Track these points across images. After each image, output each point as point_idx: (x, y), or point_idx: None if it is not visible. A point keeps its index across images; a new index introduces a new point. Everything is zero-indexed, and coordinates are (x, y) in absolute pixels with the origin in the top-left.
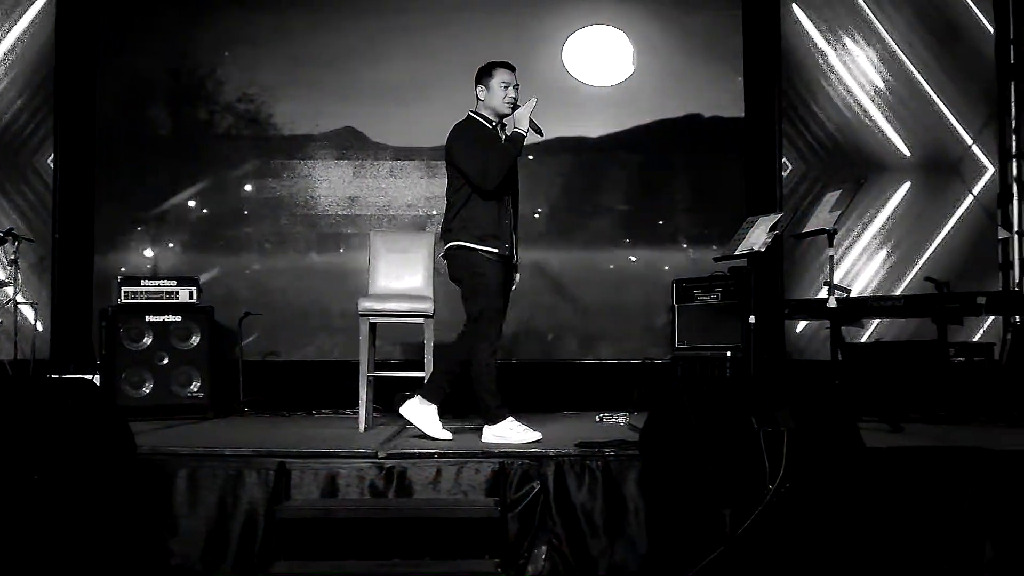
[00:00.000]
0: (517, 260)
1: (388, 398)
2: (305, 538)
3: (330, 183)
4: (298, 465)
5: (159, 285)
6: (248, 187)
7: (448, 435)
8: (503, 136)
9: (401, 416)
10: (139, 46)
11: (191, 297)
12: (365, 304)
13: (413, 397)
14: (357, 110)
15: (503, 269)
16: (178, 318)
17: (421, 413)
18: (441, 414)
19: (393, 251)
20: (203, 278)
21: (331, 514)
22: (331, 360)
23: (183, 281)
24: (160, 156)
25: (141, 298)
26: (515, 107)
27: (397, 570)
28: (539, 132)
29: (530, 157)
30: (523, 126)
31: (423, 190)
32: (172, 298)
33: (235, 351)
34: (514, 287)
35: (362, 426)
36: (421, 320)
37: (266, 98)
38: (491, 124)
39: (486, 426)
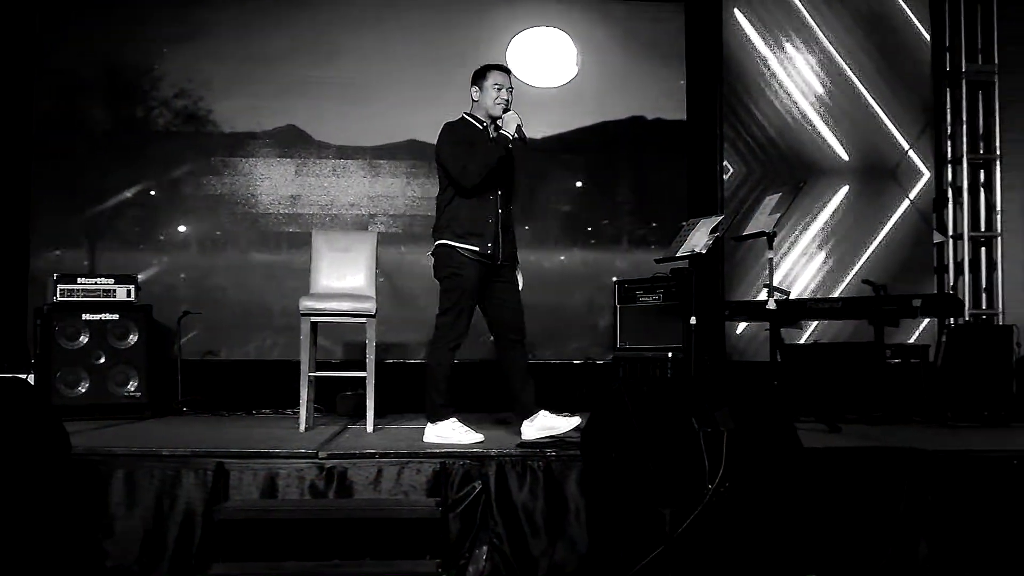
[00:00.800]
0: (502, 260)
1: (330, 398)
2: (244, 539)
3: (272, 181)
4: (237, 466)
5: (96, 283)
6: (187, 185)
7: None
8: (492, 136)
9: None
10: (76, 44)
11: (129, 295)
12: (306, 303)
13: (522, 425)
14: (300, 108)
15: (482, 268)
16: (115, 316)
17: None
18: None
19: (335, 250)
20: (141, 276)
21: (270, 515)
22: (272, 360)
23: (120, 279)
24: (98, 153)
25: (77, 296)
26: (507, 109)
27: (337, 571)
28: (523, 141)
29: None
30: (510, 129)
31: (366, 189)
32: (109, 296)
33: (174, 350)
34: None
35: (303, 426)
36: (363, 320)
37: (205, 95)
38: (482, 125)
39: (428, 424)
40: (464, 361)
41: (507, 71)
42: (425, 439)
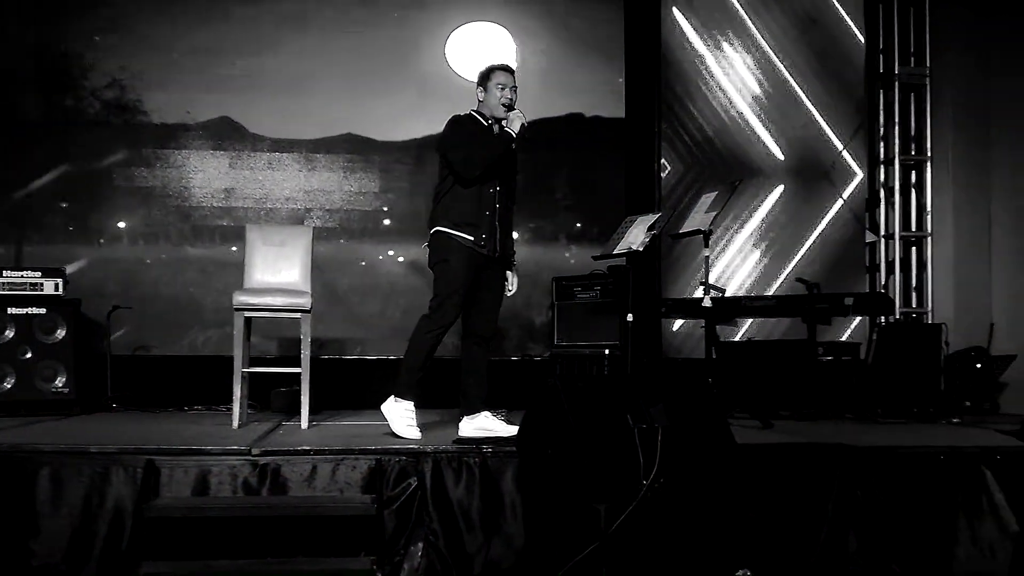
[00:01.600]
0: (500, 254)
1: (264, 394)
2: (175, 537)
3: (205, 174)
4: (168, 463)
5: (22, 276)
6: (118, 177)
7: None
8: (495, 133)
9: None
10: (4, 30)
11: (56, 289)
12: (240, 298)
13: (461, 420)
14: (235, 100)
15: (476, 259)
16: (43, 311)
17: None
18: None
19: (270, 244)
20: (69, 270)
21: (202, 512)
22: (205, 355)
23: (48, 272)
24: (26, 143)
25: (3, 290)
26: (510, 108)
27: (270, 568)
28: (525, 139)
29: (411, 152)
30: (515, 127)
31: (302, 183)
32: (36, 290)
33: (103, 345)
34: (511, 290)
35: (236, 423)
36: (298, 315)
37: (138, 85)
38: (487, 123)
39: (391, 396)
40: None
41: (511, 71)
42: (383, 406)
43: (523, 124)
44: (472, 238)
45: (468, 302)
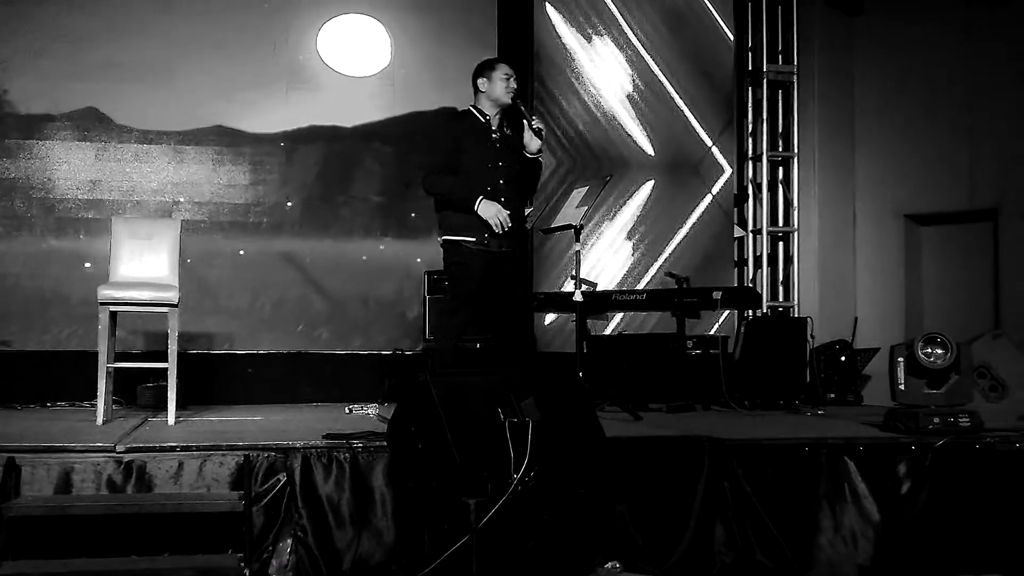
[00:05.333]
0: (510, 249)
1: (130, 390)
2: (37, 537)
3: (70, 165)
4: (29, 460)
5: None
6: None
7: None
8: (493, 128)
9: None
10: None
11: None
12: (105, 292)
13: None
14: (101, 90)
15: (487, 259)
16: None
17: None
18: None
19: (137, 237)
20: None
21: (65, 511)
22: (69, 350)
23: None
24: None
25: None
26: (515, 97)
27: (135, 567)
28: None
29: (281, 144)
30: (532, 148)
31: (171, 175)
32: None
33: None
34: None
35: (100, 419)
36: (165, 309)
37: (1, 75)
38: (485, 118)
39: None
40: (271, 352)
41: (512, 67)
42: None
43: (540, 146)
44: (474, 239)
45: (484, 302)
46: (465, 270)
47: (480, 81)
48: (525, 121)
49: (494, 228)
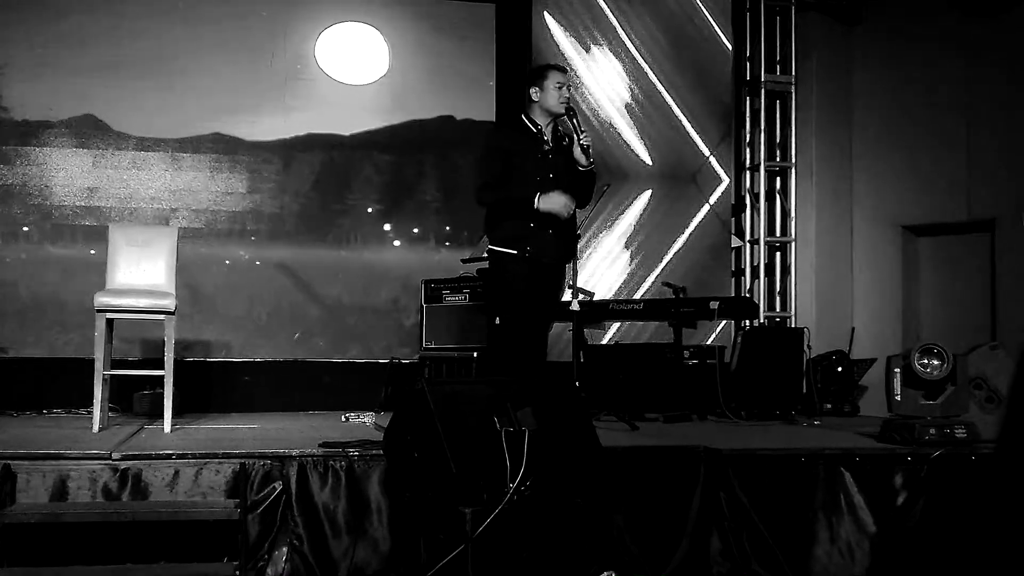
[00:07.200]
0: (555, 261)
1: (127, 397)
2: (32, 544)
3: (68, 172)
4: (25, 467)
5: None
6: None
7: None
8: (547, 138)
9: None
10: None
11: None
12: (101, 299)
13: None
14: (99, 97)
15: (532, 271)
16: None
17: None
18: None
19: (134, 245)
20: None
21: (60, 518)
22: (66, 357)
23: None
24: None
25: None
26: (569, 107)
27: (129, 574)
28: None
29: (279, 152)
30: (583, 161)
31: (168, 183)
32: None
33: None
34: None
35: (96, 426)
36: (162, 317)
37: None
38: (536, 128)
39: None
40: (268, 360)
41: (565, 70)
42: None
43: (590, 160)
44: (516, 252)
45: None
46: (512, 281)
47: (532, 91)
48: (575, 136)
49: (562, 215)
